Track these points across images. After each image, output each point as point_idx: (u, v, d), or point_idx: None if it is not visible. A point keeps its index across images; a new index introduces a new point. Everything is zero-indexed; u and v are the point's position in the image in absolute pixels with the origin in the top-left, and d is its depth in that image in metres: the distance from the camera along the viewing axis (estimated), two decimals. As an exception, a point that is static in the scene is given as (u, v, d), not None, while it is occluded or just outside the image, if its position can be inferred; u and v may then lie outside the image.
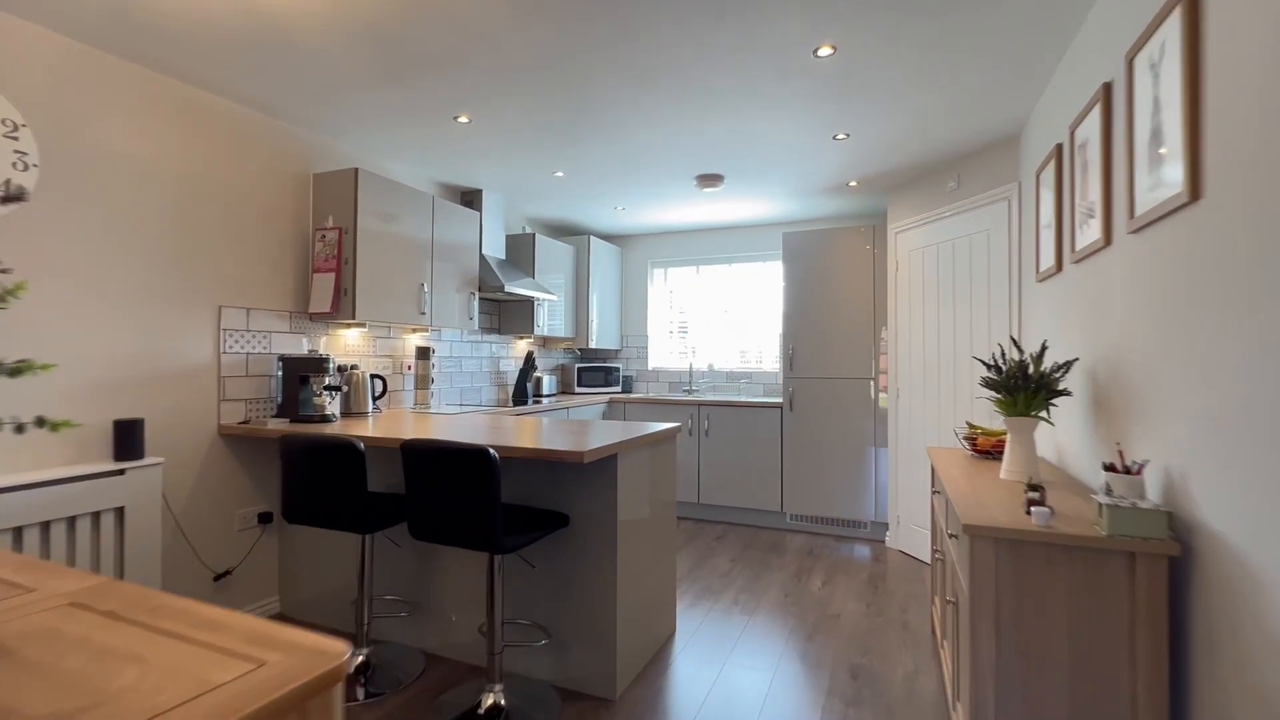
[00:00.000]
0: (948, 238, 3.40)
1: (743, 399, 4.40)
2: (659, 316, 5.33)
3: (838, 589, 3.12)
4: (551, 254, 4.51)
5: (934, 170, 3.51)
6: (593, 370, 5.04)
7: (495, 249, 4.01)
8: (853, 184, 3.81)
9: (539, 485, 2.25)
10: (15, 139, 1.96)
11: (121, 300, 2.25)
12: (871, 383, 4.00)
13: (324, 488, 2.05)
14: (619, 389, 5.12)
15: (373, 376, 3.07)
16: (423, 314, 3.24)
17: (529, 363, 4.39)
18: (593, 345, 4.87)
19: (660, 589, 2.49)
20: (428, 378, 3.49)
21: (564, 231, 5.12)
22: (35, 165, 2.01)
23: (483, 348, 4.21)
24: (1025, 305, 2.85)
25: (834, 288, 4.11)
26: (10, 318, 1.97)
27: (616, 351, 5.40)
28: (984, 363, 2.00)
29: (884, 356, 3.93)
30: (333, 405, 2.73)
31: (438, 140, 3.10)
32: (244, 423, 2.60)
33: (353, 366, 3.09)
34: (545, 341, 4.93)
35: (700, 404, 4.44)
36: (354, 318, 2.84)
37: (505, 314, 4.34)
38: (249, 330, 2.68)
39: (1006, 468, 1.93)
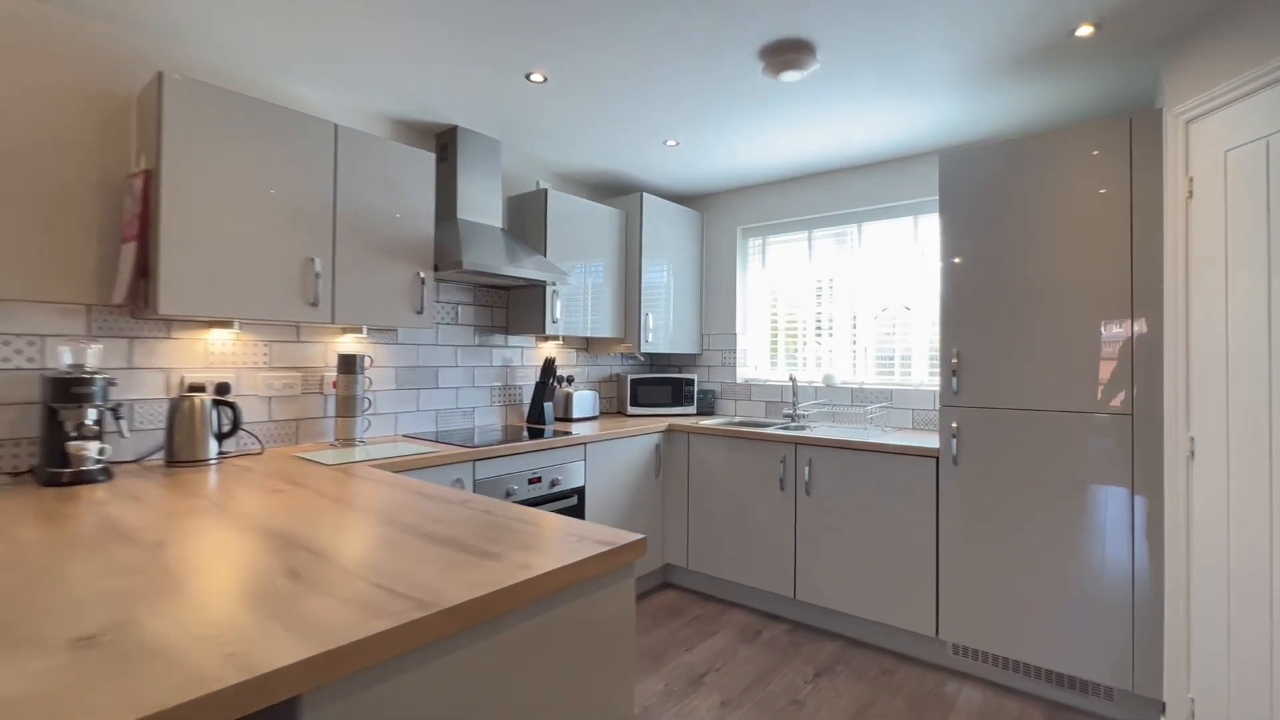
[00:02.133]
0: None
1: (871, 438, 2.68)
2: (757, 308, 3.74)
3: None
4: (579, 220, 3.17)
5: (1301, -43, 1.56)
6: (653, 384, 3.61)
7: (483, 213, 2.79)
8: (1085, 30, 1.94)
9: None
10: None
11: None
12: (1123, 421, 2.08)
13: None
14: (692, 409, 3.63)
15: (218, 404, 1.99)
16: (313, 304, 2.10)
17: (547, 372, 3.10)
18: (648, 349, 3.44)
19: None
20: (353, 399, 2.36)
21: (608, 190, 3.75)
22: None
23: (478, 354, 3.02)
24: None
25: (1041, 244, 2.24)
26: None
27: (695, 357, 3.91)
28: None
29: (1164, 375, 2.00)
30: (106, 452, 1.68)
31: (358, 41, 1.93)
32: (-31, 480, 1.64)
33: (220, 388, 2.05)
34: (589, 344, 3.61)
35: (798, 441, 2.80)
36: (158, 311, 1.76)
37: (517, 308, 3.09)
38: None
39: None
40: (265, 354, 2.27)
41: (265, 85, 2.27)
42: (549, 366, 3.13)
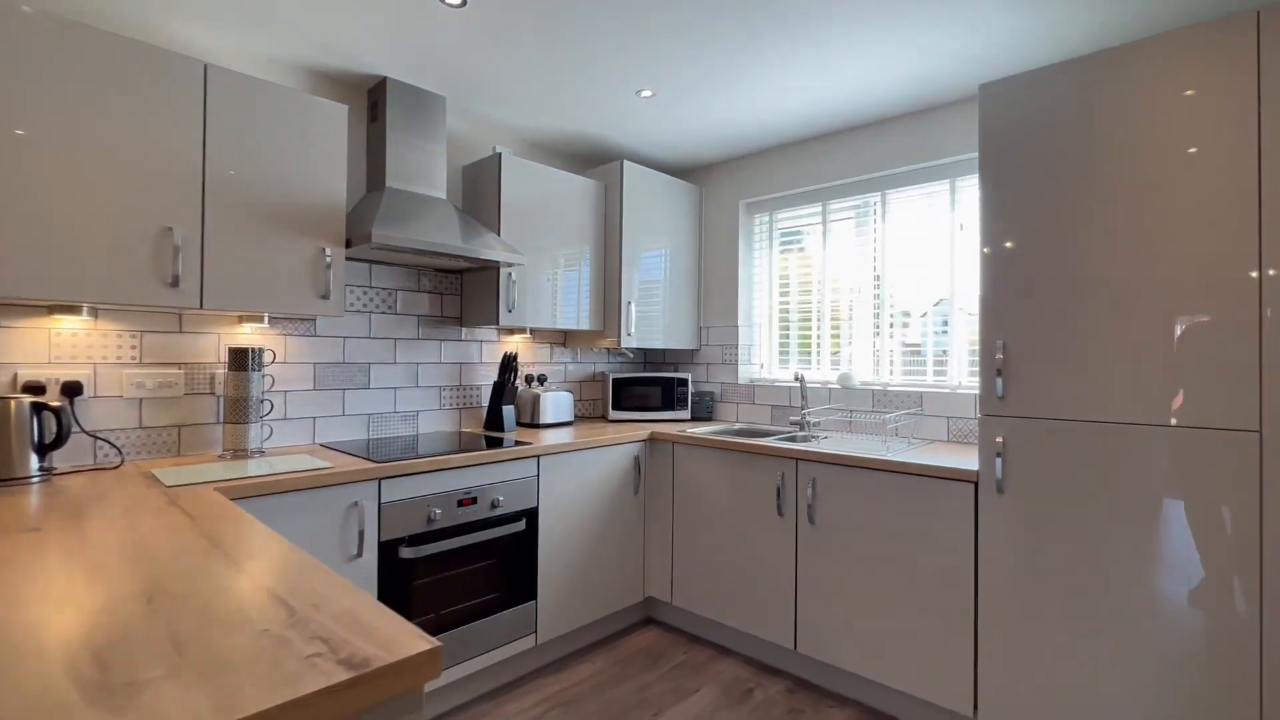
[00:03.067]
0: None
1: (892, 455, 2.12)
2: (764, 296, 3.20)
3: None
4: (544, 191, 2.71)
5: None
6: (639, 384, 3.12)
7: (420, 182, 2.35)
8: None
9: None
10: None
11: None
12: (1248, 441, 1.48)
13: None
14: (685, 413, 3.12)
15: (38, 408, 1.60)
16: (172, 285, 1.69)
17: (506, 370, 2.65)
18: (631, 343, 2.95)
19: None
20: (244, 402, 1.95)
21: (588, 160, 3.27)
22: None
23: (423, 349, 2.59)
24: None
25: (1122, 198, 1.65)
26: None
27: (693, 354, 3.39)
28: None
29: (1296, 373, 1.39)
30: None
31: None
32: None
33: (65, 388, 1.67)
34: (566, 339, 3.15)
35: (799, 456, 2.26)
36: (-64, 291, 1.38)
37: (473, 296, 2.65)
38: None
39: None
40: (133, 347, 1.88)
41: (149, 28, 1.89)
42: (508, 363, 2.67)
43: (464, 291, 2.69)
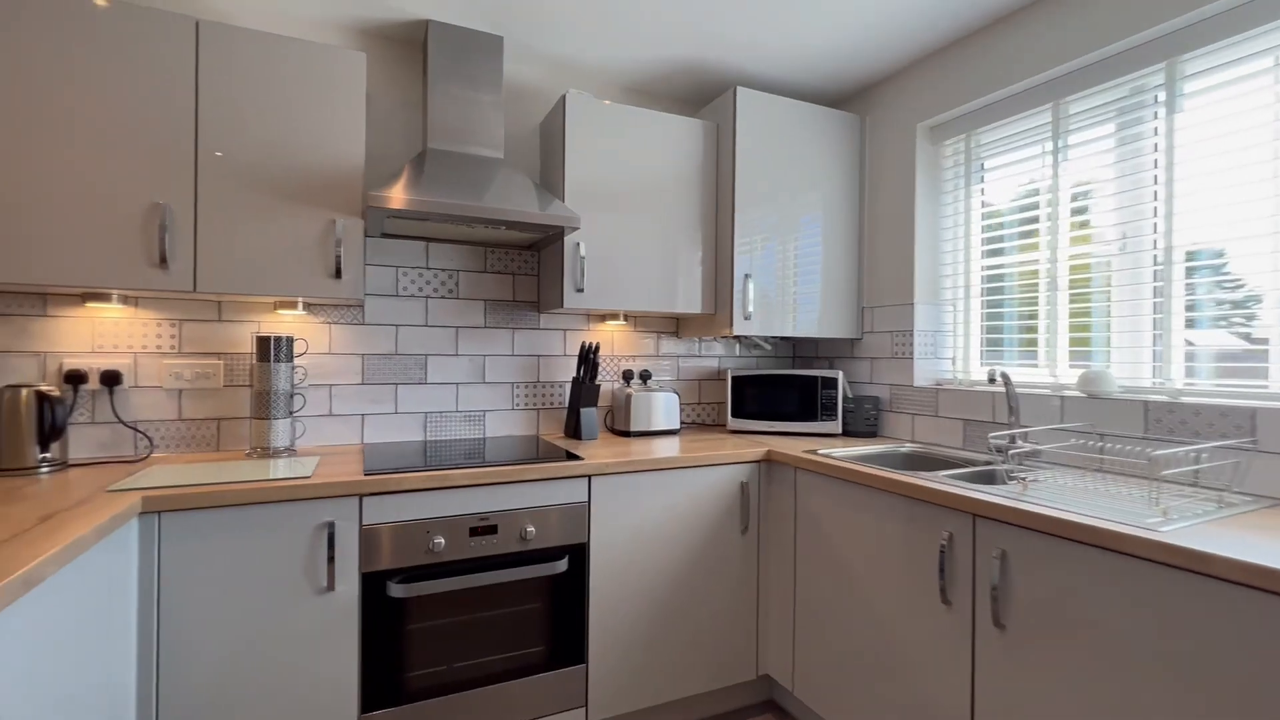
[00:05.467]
0: None
1: (1176, 534, 1.11)
2: (957, 262, 2.20)
3: None
4: (626, 138, 2.13)
5: None
6: (768, 385, 2.36)
7: (469, 140, 1.98)
8: None
9: None
10: None
11: None
12: None
13: None
14: (833, 424, 2.28)
15: (43, 398, 1.54)
16: (161, 266, 1.54)
17: (585, 363, 2.17)
18: (748, 329, 2.22)
19: None
20: (268, 395, 1.77)
21: (690, 98, 2.57)
22: None
23: (490, 339, 2.22)
24: None
25: None
26: None
27: (853, 345, 2.50)
28: None
29: None
30: None
31: None
32: None
33: (105, 377, 1.65)
34: (679, 325, 2.54)
35: (981, 512, 1.33)
36: (-71, 277, 1.37)
37: (551, 276, 2.21)
38: None
39: None
40: (172, 336, 1.82)
41: None
42: (585, 355, 2.18)
43: (541, 271, 2.27)
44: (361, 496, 1.50)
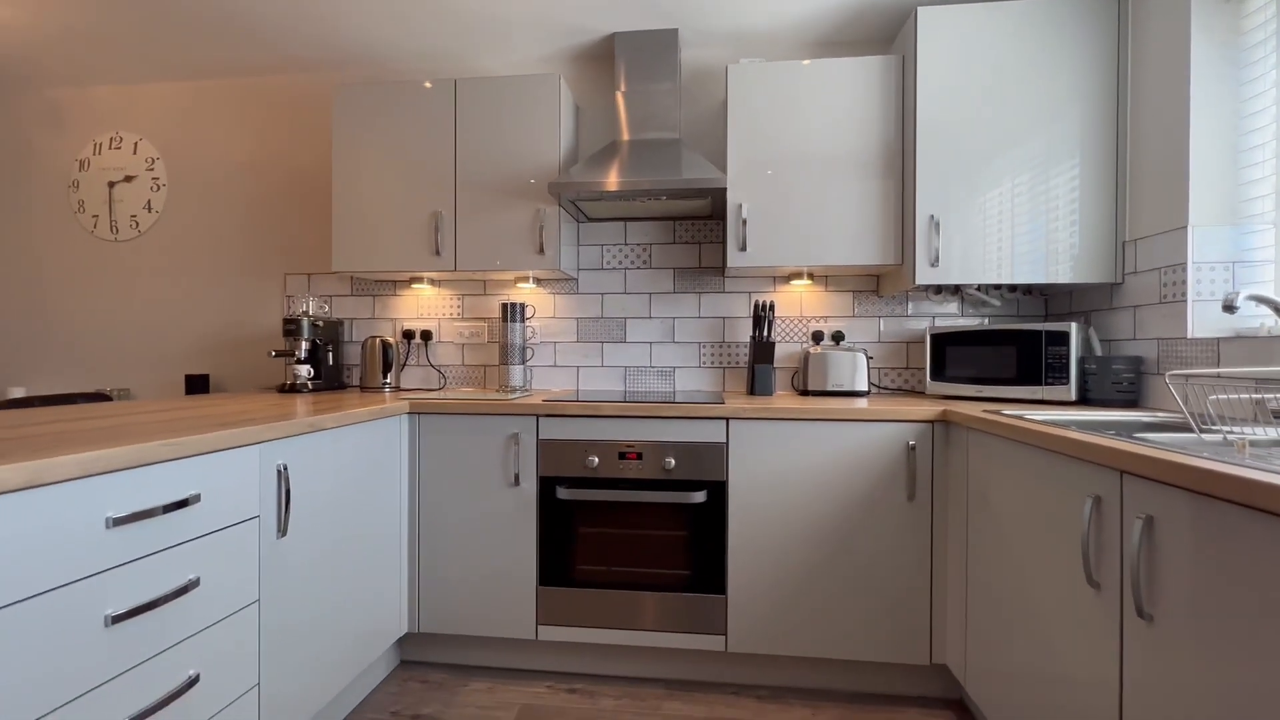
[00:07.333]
0: None
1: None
2: (1269, 161, 1.55)
3: None
4: (789, 93, 2.11)
5: None
6: (974, 343, 2.03)
7: (648, 126, 2.27)
8: None
9: None
10: (152, 170, 2.74)
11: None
12: None
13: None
14: (1065, 388, 1.84)
15: (385, 345, 2.39)
16: (436, 254, 2.25)
17: (759, 320, 2.28)
18: (935, 276, 1.96)
19: None
20: (507, 348, 2.39)
21: (884, 34, 2.27)
22: (164, 185, 2.74)
23: (678, 303, 2.47)
24: None
25: None
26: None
27: (1111, 291, 1.94)
28: None
29: None
30: (305, 377, 2.33)
31: (400, -8, 2.07)
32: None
33: (423, 335, 2.52)
34: (879, 284, 2.37)
35: (1129, 469, 1.02)
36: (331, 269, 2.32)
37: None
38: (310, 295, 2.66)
39: None
40: (458, 305, 2.58)
41: (412, 66, 2.58)
42: (759, 316, 2.25)
43: (725, 238, 2.42)
44: (538, 416, 1.94)
